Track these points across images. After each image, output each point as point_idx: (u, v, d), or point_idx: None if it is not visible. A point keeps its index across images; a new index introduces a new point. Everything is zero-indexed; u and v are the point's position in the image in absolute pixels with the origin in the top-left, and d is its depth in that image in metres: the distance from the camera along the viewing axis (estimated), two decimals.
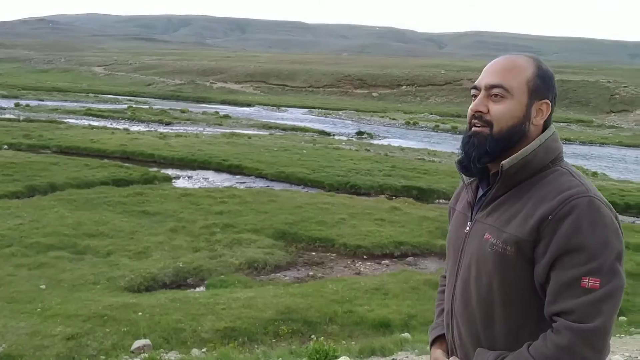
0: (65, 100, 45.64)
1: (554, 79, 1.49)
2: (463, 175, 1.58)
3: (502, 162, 1.41)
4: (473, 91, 1.51)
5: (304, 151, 23.15)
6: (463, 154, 1.51)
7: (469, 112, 1.50)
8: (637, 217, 15.12)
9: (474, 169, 1.48)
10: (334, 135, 34.79)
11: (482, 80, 1.48)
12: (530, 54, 1.51)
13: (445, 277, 1.78)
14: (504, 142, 1.43)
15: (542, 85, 1.46)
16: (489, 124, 1.45)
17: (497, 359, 1.39)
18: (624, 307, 7.32)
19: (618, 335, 6.15)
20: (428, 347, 1.76)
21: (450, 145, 32.96)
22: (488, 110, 1.45)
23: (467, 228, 1.53)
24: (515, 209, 1.41)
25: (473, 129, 1.48)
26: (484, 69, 1.51)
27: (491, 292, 1.41)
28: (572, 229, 1.29)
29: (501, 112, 1.44)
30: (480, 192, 1.55)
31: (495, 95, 1.44)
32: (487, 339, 1.45)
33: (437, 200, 16.68)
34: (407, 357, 5.37)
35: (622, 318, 7.20)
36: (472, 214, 1.54)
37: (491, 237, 1.42)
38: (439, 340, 1.70)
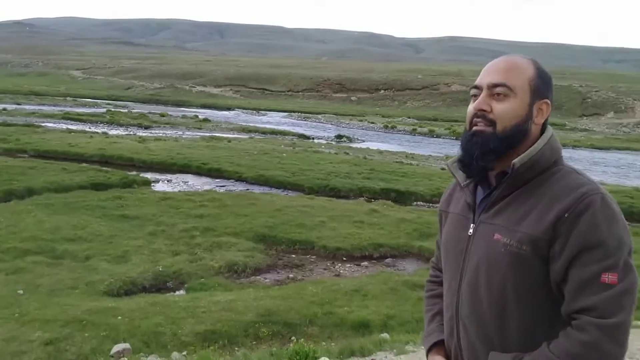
0: (43, 104, 45.05)
1: (552, 80, 1.51)
2: (459, 176, 1.57)
3: (514, 161, 1.41)
4: (473, 91, 1.51)
5: (284, 154, 23.21)
6: (464, 152, 1.50)
7: (470, 111, 1.49)
8: None
9: (476, 167, 1.47)
10: (313, 138, 34.91)
11: (484, 79, 1.48)
12: (527, 56, 1.52)
13: (433, 282, 1.79)
14: (507, 141, 1.44)
15: (542, 85, 1.47)
16: (492, 123, 1.45)
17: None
18: None
19: None
20: (416, 351, 1.71)
21: (428, 149, 33.30)
22: (491, 109, 1.45)
23: (471, 230, 1.51)
24: (527, 207, 1.40)
25: (475, 127, 1.47)
26: (484, 69, 1.51)
27: (505, 293, 1.39)
28: (590, 226, 1.30)
29: (505, 110, 1.44)
30: (480, 194, 1.54)
31: (499, 94, 1.45)
32: (500, 341, 1.42)
33: (415, 203, 16.86)
34: (386, 357, 5.44)
35: None
36: (474, 216, 1.52)
37: (503, 237, 1.40)
38: (436, 346, 1.65)
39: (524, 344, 1.38)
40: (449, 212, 1.64)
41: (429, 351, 1.66)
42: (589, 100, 59.13)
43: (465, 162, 1.50)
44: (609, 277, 1.28)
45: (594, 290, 1.29)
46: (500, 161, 1.45)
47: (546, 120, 1.50)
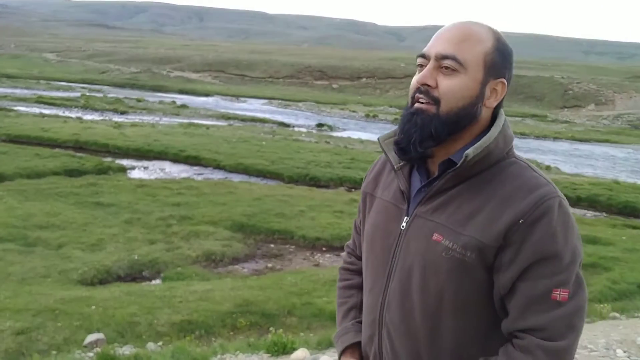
0: (15, 87, 43.87)
1: (512, 55, 1.28)
2: (392, 156, 1.34)
3: (467, 152, 1.19)
4: (420, 60, 1.27)
5: (264, 143, 23.03)
6: (401, 134, 1.27)
7: (413, 83, 1.26)
8: (588, 210, 15.68)
9: (414, 153, 1.24)
10: (293, 126, 34.74)
11: (432, 48, 1.25)
12: (488, 25, 1.29)
13: (348, 269, 1.58)
14: (451, 125, 1.22)
15: (500, 62, 1.24)
16: (436, 102, 1.22)
17: None
18: None
19: None
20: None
21: None
22: (437, 85, 1.22)
23: (404, 223, 1.29)
24: (474, 206, 1.20)
25: (416, 105, 1.24)
26: (435, 35, 1.28)
27: (441, 304, 1.22)
28: (546, 235, 1.14)
29: (452, 88, 1.21)
30: (417, 180, 1.31)
31: (447, 68, 1.22)
32: (430, 355, 1.25)
33: None
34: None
35: None
36: (408, 207, 1.30)
37: (444, 239, 1.21)
38: (351, 348, 1.45)
39: (456, 358, 1.24)
40: (375, 197, 1.40)
41: (342, 353, 1.46)
42: (570, 92, 59.83)
43: (401, 146, 1.26)
44: (560, 294, 1.14)
45: (544, 308, 1.15)
46: (442, 147, 1.25)
47: (500, 103, 1.27)
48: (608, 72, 73.93)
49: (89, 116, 29.75)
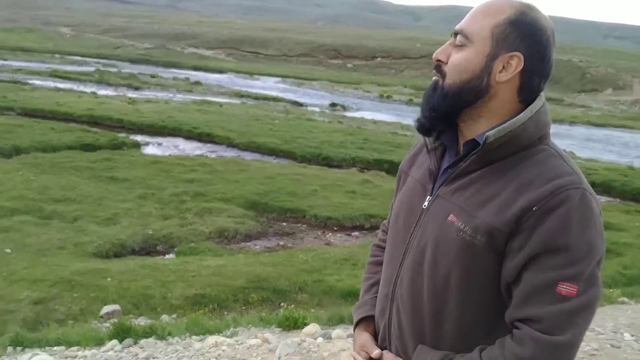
0: (30, 61, 43.98)
1: (542, 31, 1.19)
2: (428, 138, 1.34)
3: (487, 134, 1.17)
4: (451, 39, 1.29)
5: (276, 121, 23.01)
6: (421, 109, 1.29)
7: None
8: (602, 195, 15.58)
9: (417, 124, 1.28)
10: (306, 106, 34.62)
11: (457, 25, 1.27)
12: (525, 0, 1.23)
13: (380, 247, 1.59)
14: (453, 99, 1.20)
15: (513, 35, 1.18)
16: (443, 75, 1.23)
17: None
18: None
19: None
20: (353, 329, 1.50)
21: None
22: (447, 60, 1.24)
23: (426, 203, 1.29)
24: (492, 190, 1.18)
25: (433, 79, 1.26)
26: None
27: (448, 285, 1.20)
28: (559, 226, 1.10)
29: (456, 62, 1.21)
30: (446, 162, 1.31)
31: (458, 43, 1.22)
32: (433, 335, 1.25)
33: None
34: None
35: None
36: (433, 186, 1.30)
37: (457, 220, 1.19)
38: (365, 321, 1.46)
39: (458, 343, 1.22)
40: (408, 175, 1.42)
41: (356, 325, 1.49)
42: (588, 75, 58.94)
43: (416, 119, 1.29)
44: (566, 288, 1.09)
45: (546, 300, 1.10)
46: (467, 126, 1.24)
47: (537, 87, 1.22)
48: (627, 56, 72.60)
49: (103, 91, 29.85)
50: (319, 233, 10.68)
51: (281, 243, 9.94)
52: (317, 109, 32.94)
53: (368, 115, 31.89)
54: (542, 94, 1.24)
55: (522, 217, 1.12)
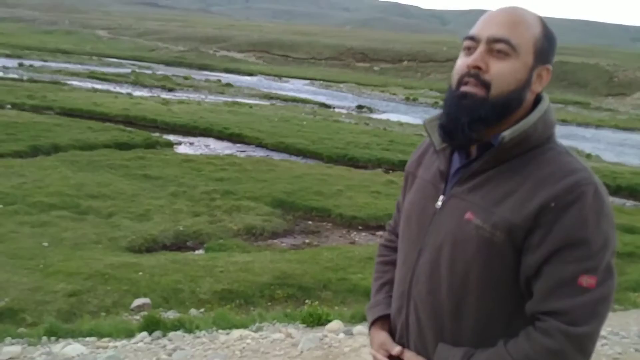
0: (69, 62, 45.17)
1: (556, 42, 1.29)
2: (435, 138, 1.36)
3: (503, 134, 1.21)
4: (468, 42, 1.27)
5: (304, 122, 23.23)
6: (448, 117, 1.27)
7: (461, 66, 1.26)
8: (628, 200, 15.35)
9: (462, 136, 1.25)
10: (334, 107, 34.77)
11: (484, 31, 1.24)
12: (532, 11, 1.30)
13: (387, 247, 1.63)
14: (501, 109, 1.23)
15: (547, 48, 1.26)
16: (487, 85, 1.22)
17: (465, 357, 1.24)
18: None
19: None
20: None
21: None
22: (488, 68, 1.23)
23: (439, 202, 1.32)
24: (508, 187, 1.22)
25: (463, 87, 1.24)
26: (484, 18, 1.28)
27: (467, 281, 1.24)
28: (576, 220, 1.14)
29: (504, 72, 1.22)
30: (456, 162, 1.33)
31: (499, 52, 1.22)
32: (453, 331, 1.28)
33: None
34: None
35: None
36: (445, 186, 1.33)
37: (475, 217, 1.23)
38: (381, 320, 1.48)
39: (478, 337, 1.25)
40: (417, 176, 1.44)
41: (372, 324, 1.50)
42: (616, 79, 57.68)
43: (448, 129, 1.27)
44: (586, 280, 1.14)
45: (569, 293, 1.15)
46: (488, 130, 1.25)
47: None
48: None
49: (138, 92, 30.49)
50: (344, 232, 10.82)
51: (307, 241, 10.11)
52: (344, 111, 33.07)
53: (394, 117, 31.89)
54: (545, 94, 1.30)
55: (540, 213, 1.16)
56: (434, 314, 1.30)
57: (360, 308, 6.19)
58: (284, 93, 39.05)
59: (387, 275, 1.56)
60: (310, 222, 11.13)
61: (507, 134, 1.21)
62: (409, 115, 34.32)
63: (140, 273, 7.36)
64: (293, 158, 17.30)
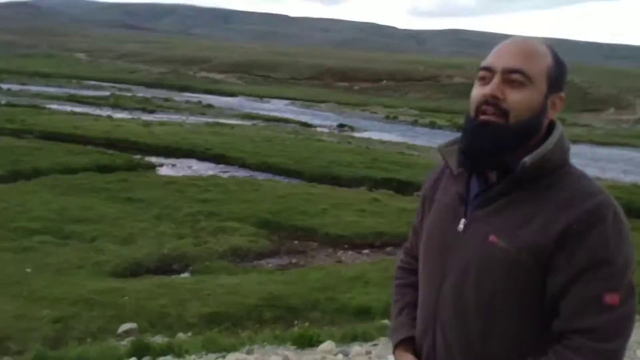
0: (48, 86, 44.95)
1: (567, 72, 1.37)
2: (452, 163, 1.42)
3: (524, 159, 1.26)
4: (483, 73, 1.33)
5: (287, 142, 23.28)
6: (470, 145, 1.33)
7: (478, 96, 1.31)
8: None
9: (486, 162, 1.32)
10: (315, 127, 34.95)
11: (499, 62, 1.30)
12: (543, 42, 1.36)
13: (405, 269, 1.66)
14: (522, 136, 1.29)
15: (560, 77, 1.33)
16: (505, 113, 1.28)
17: None
18: None
19: None
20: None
21: (429, 140, 33.35)
22: (505, 97, 1.28)
23: (461, 225, 1.36)
24: (530, 211, 1.26)
25: (483, 116, 1.30)
26: (498, 50, 1.34)
27: (494, 302, 1.28)
28: (599, 242, 1.20)
29: (521, 101, 1.28)
30: (475, 186, 1.38)
31: (515, 82, 1.28)
32: (482, 351, 1.31)
33: (416, 193, 16.92)
34: (389, 342, 5.54)
35: None
36: (466, 210, 1.37)
37: (500, 240, 1.27)
38: (405, 343, 1.51)
39: (506, 355, 1.29)
40: (434, 200, 1.48)
41: (396, 347, 1.53)
42: (590, 95, 58.98)
43: (472, 156, 1.33)
44: (611, 298, 1.19)
45: (595, 311, 1.20)
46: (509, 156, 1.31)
47: None
48: (629, 76, 72.55)
49: (118, 114, 30.33)
50: (330, 251, 10.81)
51: (293, 261, 10.08)
52: (326, 130, 33.25)
53: (375, 135, 32.15)
54: (557, 120, 1.37)
55: (564, 235, 1.21)
56: (462, 335, 1.34)
57: (350, 328, 6.18)
58: (265, 113, 39.17)
59: (407, 298, 1.59)
60: (296, 242, 11.10)
61: (528, 159, 1.26)
62: (390, 134, 34.62)
63: (126, 298, 7.28)
64: (277, 178, 17.28)
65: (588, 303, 1.20)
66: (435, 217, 1.46)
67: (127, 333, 6.48)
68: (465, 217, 1.37)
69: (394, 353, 1.54)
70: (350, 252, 10.81)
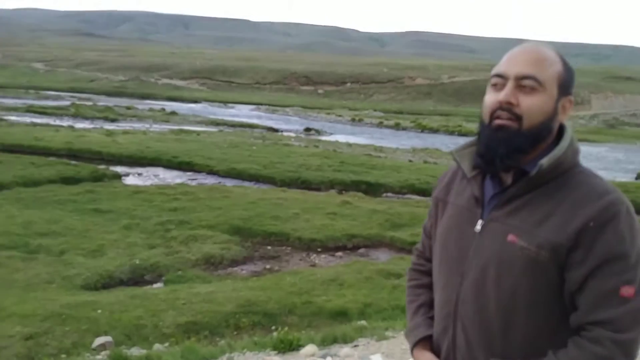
0: (5, 97, 43.76)
1: (575, 74, 1.42)
2: (466, 166, 1.47)
3: (541, 161, 1.32)
4: (495, 80, 1.39)
5: (254, 147, 23.25)
6: (486, 148, 1.38)
7: (492, 102, 1.37)
8: None
9: (500, 165, 1.37)
10: (282, 131, 35.00)
11: (511, 69, 1.36)
12: (552, 48, 1.42)
13: (418, 270, 1.70)
14: (533, 138, 1.35)
15: (569, 81, 1.39)
16: (519, 118, 1.34)
17: None
18: None
19: None
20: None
21: (395, 141, 33.74)
22: (518, 103, 1.34)
23: (479, 226, 1.41)
24: (546, 210, 1.32)
25: (497, 121, 1.36)
26: (509, 57, 1.39)
27: (514, 298, 1.33)
28: (614, 237, 1.26)
29: (533, 105, 1.34)
30: (489, 188, 1.44)
31: (527, 87, 1.34)
32: (502, 345, 1.36)
33: (385, 194, 17.18)
34: (368, 342, 5.60)
35: None
36: (483, 211, 1.42)
37: (519, 239, 1.32)
38: (423, 341, 1.56)
39: (527, 350, 1.34)
40: (448, 202, 1.53)
41: (414, 346, 1.57)
42: None
43: (487, 159, 1.38)
44: (627, 291, 1.25)
45: (612, 304, 1.25)
46: (522, 158, 1.38)
47: None
48: (584, 73, 75.02)
49: (80, 124, 29.80)
50: (304, 255, 10.83)
51: (267, 267, 10.05)
52: (292, 134, 33.32)
53: (342, 138, 32.38)
54: (567, 122, 1.42)
55: (581, 232, 1.27)
56: (484, 332, 1.38)
57: (329, 330, 6.21)
58: (230, 119, 39.02)
59: (422, 298, 1.63)
60: (269, 247, 11.08)
61: (545, 161, 1.32)
62: (356, 136, 34.90)
63: (99, 311, 7.14)
64: (246, 184, 17.26)
65: (605, 296, 1.26)
66: (451, 219, 1.50)
67: (102, 347, 6.35)
68: (482, 218, 1.42)
69: (411, 352, 1.58)
70: (323, 256, 10.85)
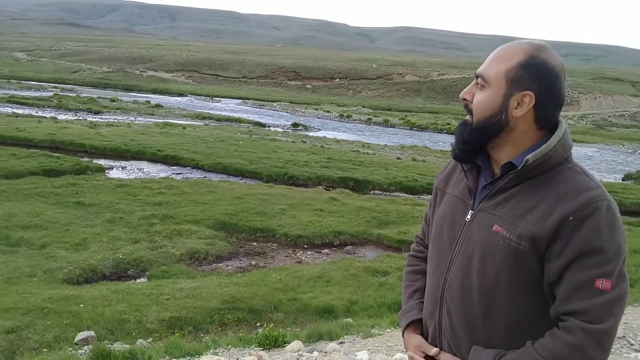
0: None
1: (551, 70, 1.39)
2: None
3: (527, 157, 1.36)
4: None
5: (241, 142, 23.10)
6: (454, 141, 1.50)
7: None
8: None
9: (453, 154, 1.49)
10: (269, 126, 34.86)
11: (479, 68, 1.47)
12: (538, 42, 1.44)
13: (416, 257, 1.76)
14: (480, 133, 1.42)
15: (524, 76, 1.37)
16: (471, 113, 1.44)
17: (497, 357, 1.38)
18: None
19: None
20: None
21: (383, 138, 33.77)
22: (472, 100, 1.44)
23: (469, 216, 1.48)
24: (530, 203, 1.37)
25: (467, 117, 1.47)
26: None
27: (496, 286, 1.38)
28: (592, 232, 1.29)
29: (479, 101, 1.42)
30: (483, 180, 1.50)
31: (478, 85, 1.43)
32: (484, 331, 1.42)
33: (372, 191, 17.17)
34: (354, 340, 5.59)
35: None
36: (474, 202, 1.49)
37: (502, 229, 1.38)
38: (413, 324, 1.63)
39: (508, 339, 1.39)
40: (446, 192, 1.60)
41: (405, 328, 1.64)
42: None
43: (453, 150, 1.50)
44: (602, 284, 1.29)
45: (587, 295, 1.29)
46: (499, 153, 1.43)
47: (555, 114, 1.41)
48: (573, 73, 75.72)
49: (63, 116, 29.42)
50: (290, 252, 10.78)
51: (253, 263, 9.99)
52: (280, 129, 33.18)
53: (330, 134, 32.32)
54: (562, 119, 1.44)
55: (560, 226, 1.31)
56: (467, 316, 1.44)
57: (314, 327, 6.17)
58: (217, 113, 38.74)
59: (418, 283, 1.71)
60: (255, 244, 11.02)
61: (531, 156, 1.37)
62: (344, 132, 34.87)
63: (82, 305, 7.07)
64: (232, 179, 17.15)
65: (581, 287, 1.30)
66: (446, 207, 1.58)
67: (84, 341, 6.29)
68: (473, 208, 1.49)
69: (403, 334, 1.65)
70: (310, 252, 10.82)
